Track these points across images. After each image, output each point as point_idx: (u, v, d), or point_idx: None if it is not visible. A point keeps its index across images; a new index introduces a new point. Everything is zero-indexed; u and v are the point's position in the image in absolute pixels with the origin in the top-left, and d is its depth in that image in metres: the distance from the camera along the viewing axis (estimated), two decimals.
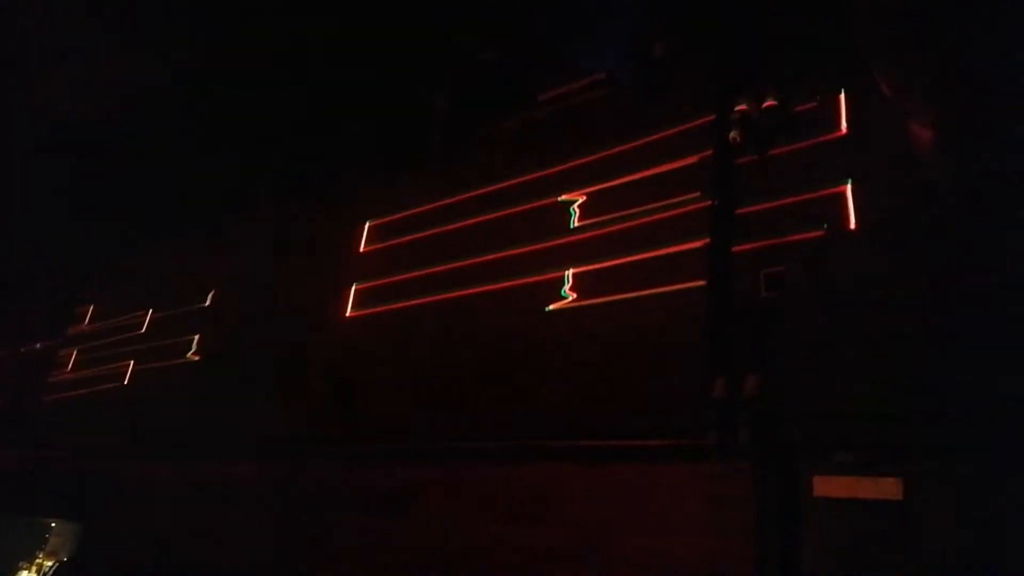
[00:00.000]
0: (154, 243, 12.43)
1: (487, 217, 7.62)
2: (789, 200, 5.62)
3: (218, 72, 11.22)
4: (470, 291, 7.47)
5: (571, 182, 7.06)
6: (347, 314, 8.60)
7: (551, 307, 6.72)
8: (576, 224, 6.87)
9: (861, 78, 5.49)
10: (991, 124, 4.87)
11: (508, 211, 7.47)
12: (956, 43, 5.03)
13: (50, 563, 10.92)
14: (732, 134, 5.98)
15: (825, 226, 5.36)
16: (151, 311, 11.58)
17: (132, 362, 11.22)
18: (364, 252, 8.85)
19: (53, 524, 10.27)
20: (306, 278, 9.43)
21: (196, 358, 10.11)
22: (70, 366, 12.44)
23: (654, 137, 6.60)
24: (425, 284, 7.89)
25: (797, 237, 5.48)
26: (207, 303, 10.65)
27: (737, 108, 5.98)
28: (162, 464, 9.55)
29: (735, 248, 5.79)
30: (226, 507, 8.47)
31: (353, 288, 8.64)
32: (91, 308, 12.90)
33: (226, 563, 8.13)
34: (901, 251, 5.04)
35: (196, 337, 10.40)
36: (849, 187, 5.35)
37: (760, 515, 4.89)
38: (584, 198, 6.86)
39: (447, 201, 8.18)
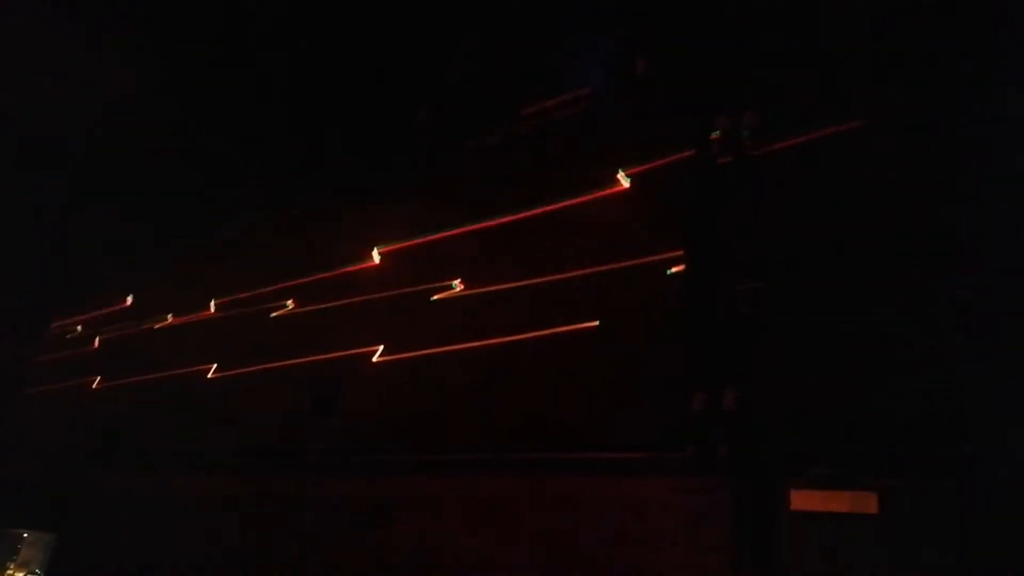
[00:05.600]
0: (131, 254, 12.34)
1: (470, 228, 7.65)
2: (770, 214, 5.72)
3: (192, 83, 11.22)
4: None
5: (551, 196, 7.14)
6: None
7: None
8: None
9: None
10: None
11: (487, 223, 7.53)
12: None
13: (21, 575, 10.76)
14: (712, 150, 6.08)
15: None
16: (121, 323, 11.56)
17: (105, 374, 11.15)
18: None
19: (25, 535, 10.11)
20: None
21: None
22: (45, 375, 12.32)
23: (633, 150, 6.69)
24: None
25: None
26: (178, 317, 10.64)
27: (717, 125, 6.07)
28: (138, 475, 9.47)
29: (713, 262, 5.87)
30: (202, 519, 8.43)
31: None
32: (68, 317, 12.78)
33: (201, 574, 8.08)
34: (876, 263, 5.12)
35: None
36: None
37: (737, 529, 4.96)
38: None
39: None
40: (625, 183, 6.69)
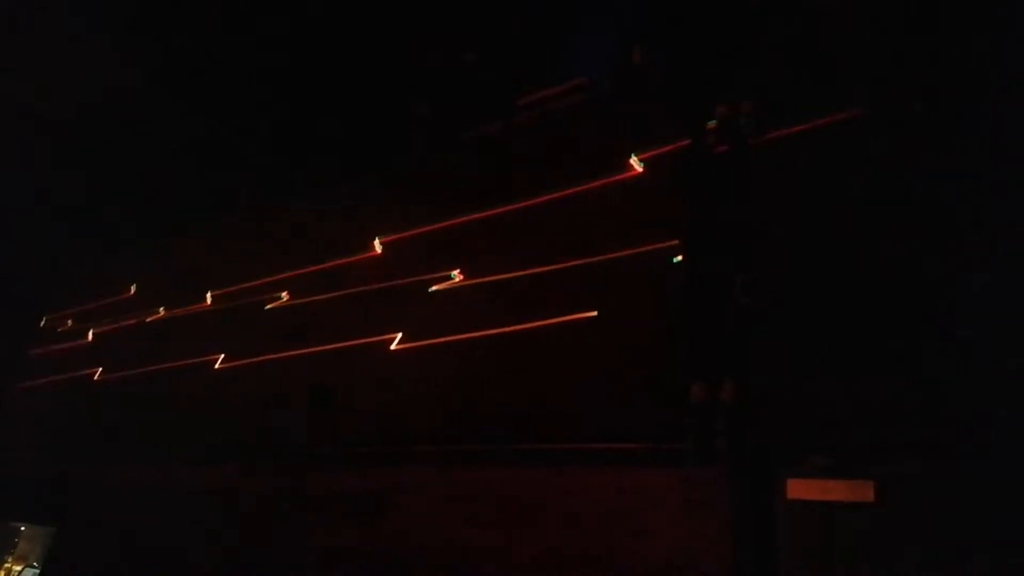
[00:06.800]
0: (131, 245, 12.32)
1: (473, 217, 7.61)
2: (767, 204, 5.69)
3: (188, 73, 11.20)
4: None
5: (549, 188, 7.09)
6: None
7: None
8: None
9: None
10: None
11: (485, 213, 7.49)
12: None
13: (19, 568, 10.75)
14: (709, 139, 6.04)
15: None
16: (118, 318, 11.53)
17: (104, 366, 11.12)
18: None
19: (23, 528, 10.11)
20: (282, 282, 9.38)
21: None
22: (42, 366, 12.28)
23: (630, 140, 6.64)
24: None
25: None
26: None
27: (715, 113, 6.03)
28: (137, 468, 9.44)
29: (712, 252, 5.84)
30: (201, 510, 8.41)
31: None
32: (65, 308, 12.75)
33: (201, 567, 8.08)
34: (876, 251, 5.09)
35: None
36: None
37: (736, 519, 4.94)
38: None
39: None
40: (638, 167, 6.62)
